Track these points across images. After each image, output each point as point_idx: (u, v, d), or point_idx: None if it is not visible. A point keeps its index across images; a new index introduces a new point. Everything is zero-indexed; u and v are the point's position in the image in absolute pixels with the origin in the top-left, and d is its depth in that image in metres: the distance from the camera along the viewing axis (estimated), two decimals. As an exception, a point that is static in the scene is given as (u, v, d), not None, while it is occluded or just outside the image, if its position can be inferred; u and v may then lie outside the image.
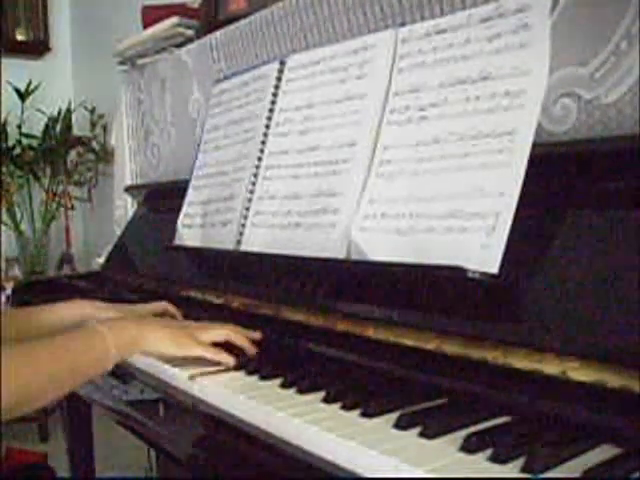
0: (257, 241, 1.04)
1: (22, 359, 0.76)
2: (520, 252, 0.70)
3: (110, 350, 0.83)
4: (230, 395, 0.76)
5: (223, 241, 1.12)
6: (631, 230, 0.64)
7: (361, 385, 0.77)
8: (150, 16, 1.84)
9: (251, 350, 0.92)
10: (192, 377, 0.84)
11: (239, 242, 1.08)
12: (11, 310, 1.18)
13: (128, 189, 1.88)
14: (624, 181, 0.67)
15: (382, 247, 0.82)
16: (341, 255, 0.87)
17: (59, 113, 3.07)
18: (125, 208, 1.96)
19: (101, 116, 3.02)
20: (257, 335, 0.94)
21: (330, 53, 1.00)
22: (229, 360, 0.87)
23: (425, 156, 0.80)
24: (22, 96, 2.99)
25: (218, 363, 0.88)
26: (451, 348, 0.72)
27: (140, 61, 1.91)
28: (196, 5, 1.73)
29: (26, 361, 0.76)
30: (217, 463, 0.75)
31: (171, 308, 1.12)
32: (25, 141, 3.02)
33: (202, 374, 0.85)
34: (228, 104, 1.23)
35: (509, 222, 0.68)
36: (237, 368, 0.86)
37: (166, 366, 0.90)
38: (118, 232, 1.88)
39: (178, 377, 0.86)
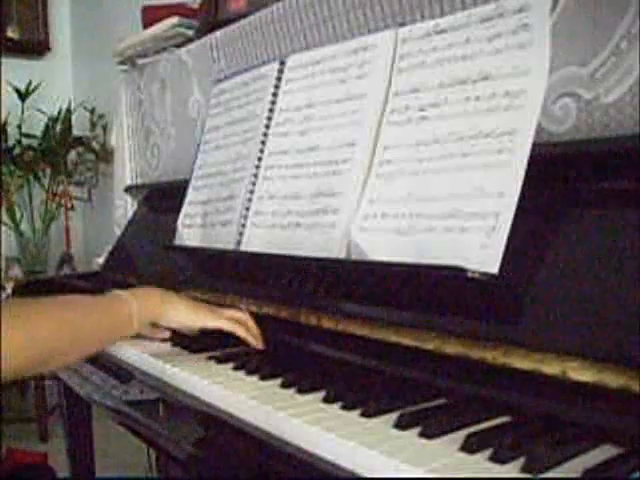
0: (257, 241, 1.04)
1: (39, 314, 0.77)
2: (520, 252, 0.70)
3: (133, 315, 0.86)
4: (231, 395, 0.76)
5: (223, 241, 1.12)
6: (631, 230, 0.64)
7: (361, 385, 0.77)
8: (150, 16, 1.84)
9: (259, 342, 0.93)
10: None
11: (239, 242, 1.08)
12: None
13: (128, 189, 1.88)
14: (624, 181, 0.67)
15: (382, 247, 0.82)
16: (341, 255, 0.87)
17: (59, 113, 3.08)
18: (125, 208, 1.96)
19: (101, 116, 3.02)
20: (259, 346, 0.94)
21: (330, 53, 1.00)
22: (246, 335, 0.91)
23: (425, 156, 0.80)
24: (22, 96, 2.99)
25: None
26: (451, 348, 0.72)
27: (140, 61, 1.91)
28: (196, 5, 1.73)
29: (45, 316, 0.77)
30: (217, 463, 0.75)
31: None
32: (25, 141, 3.02)
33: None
34: (228, 104, 1.23)
35: (509, 222, 0.68)
36: (237, 368, 0.86)
37: (167, 365, 0.90)
38: (118, 232, 1.87)
39: (178, 376, 0.86)
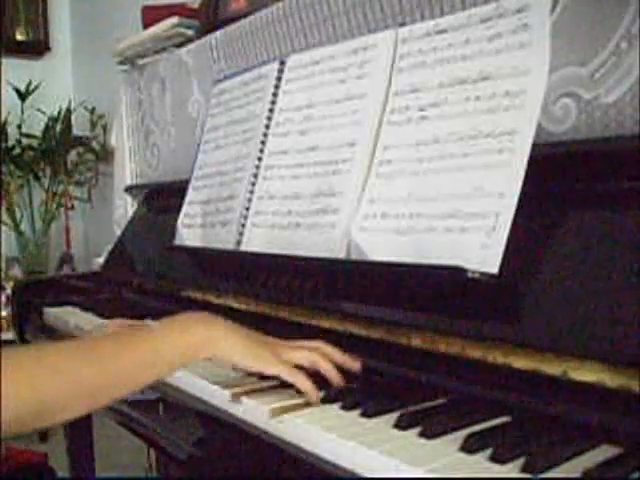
0: (257, 241, 1.04)
1: (38, 361, 0.65)
2: (520, 252, 0.70)
3: (164, 354, 0.70)
4: (230, 395, 0.76)
5: (223, 241, 1.12)
6: (631, 230, 0.64)
7: (361, 385, 0.77)
8: (150, 16, 1.84)
9: (338, 381, 0.74)
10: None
11: (239, 242, 1.08)
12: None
13: (128, 189, 1.88)
14: (624, 181, 0.67)
15: (382, 247, 0.82)
16: (341, 255, 0.87)
17: (59, 113, 3.08)
18: (125, 208, 1.96)
19: (101, 116, 3.02)
20: (356, 365, 0.77)
21: (330, 53, 1.00)
22: (310, 389, 0.71)
23: (425, 156, 0.80)
24: (22, 96, 2.99)
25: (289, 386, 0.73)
26: (451, 348, 0.72)
27: (140, 61, 1.91)
28: (196, 5, 1.73)
29: (45, 363, 0.65)
30: (217, 463, 0.75)
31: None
32: (25, 141, 3.02)
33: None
34: (228, 104, 1.23)
35: (509, 222, 0.68)
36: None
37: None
38: (118, 232, 1.87)
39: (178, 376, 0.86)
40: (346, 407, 0.69)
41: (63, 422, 0.68)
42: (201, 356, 0.73)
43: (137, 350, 0.70)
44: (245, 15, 1.42)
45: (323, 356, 0.76)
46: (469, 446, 0.58)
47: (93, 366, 0.67)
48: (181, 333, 0.73)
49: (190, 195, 1.27)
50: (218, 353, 0.74)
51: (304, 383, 0.72)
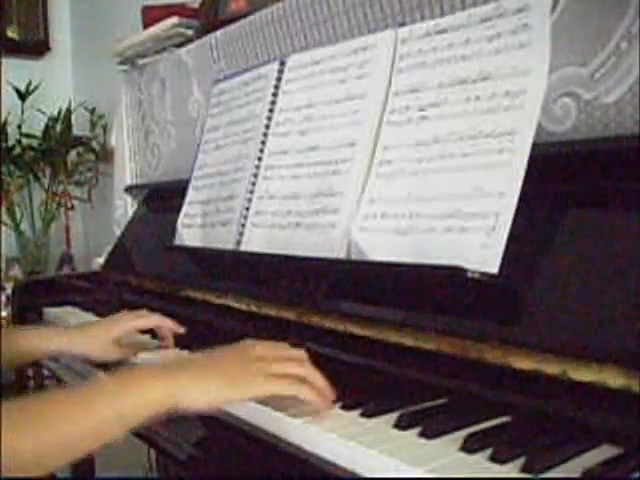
0: (257, 241, 1.04)
1: None
2: (520, 252, 0.70)
3: (120, 413, 0.61)
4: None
5: (223, 241, 1.12)
6: (631, 230, 0.64)
7: (361, 385, 0.77)
8: (150, 16, 1.84)
9: (323, 406, 0.68)
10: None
11: (239, 242, 1.08)
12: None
13: (128, 189, 1.88)
14: (624, 181, 0.67)
15: (382, 247, 0.82)
16: (341, 255, 0.87)
17: (59, 113, 3.07)
18: (125, 208, 1.96)
19: (101, 116, 3.02)
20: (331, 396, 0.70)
21: (330, 53, 1.00)
22: (316, 398, 0.66)
23: (425, 156, 0.80)
24: (22, 96, 2.99)
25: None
26: (451, 348, 0.72)
27: (140, 61, 1.91)
28: (196, 5, 1.73)
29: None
30: (217, 463, 0.75)
31: (163, 322, 1.02)
32: (25, 141, 3.01)
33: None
34: (228, 104, 1.23)
35: (509, 222, 0.68)
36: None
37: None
38: (118, 232, 1.87)
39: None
40: (346, 407, 0.69)
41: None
42: (162, 410, 0.64)
43: (88, 411, 0.61)
44: (245, 15, 1.42)
45: (309, 378, 0.69)
46: (469, 446, 0.58)
47: (35, 432, 0.59)
48: (139, 389, 0.63)
49: (190, 195, 1.27)
50: (190, 405, 0.65)
51: (308, 393, 0.67)
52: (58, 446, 0.60)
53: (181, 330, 1.02)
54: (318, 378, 0.69)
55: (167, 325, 1.02)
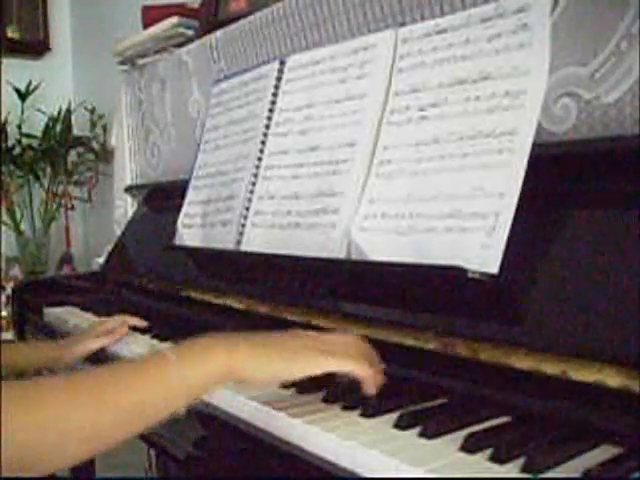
0: (257, 241, 1.04)
1: (26, 406, 0.55)
2: (520, 252, 0.70)
3: (183, 385, 0.62)
4: (230, 395, 0.76)
5: (223, 241, 1.12)
6: (631, 230, 0.64)
7: (361, 385, 0.77)
8: (150, 16, 1.84)
9: (372, 390, 0.68)
10: None
11: (239, 242, 1.08)
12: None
13: (128, 189, 1.88)
14: (624, 181, 0.67)
15: (382, 247, 0.82)
16: (341, 255, 0.87)
17: (59, 113, 3.07)
18: (125, 208, 1.96)
19: (101, 116, 3.02)
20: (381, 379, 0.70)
21: (330, 53, 1.00)
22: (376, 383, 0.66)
23: (425, 156, 0.80)
24: (22, 96, 2.99)
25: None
26: (451, 348, 0.72)
27: (140, 61, 1.91)
28: (196, 5, 1.73)
29: (33, 406, 0.55)
30: (217, 463, 0.75)
31: (132, 320, 1.16)
32: (25, 141, 3.01)
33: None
34: (228, 104, 1.23)
35: (509, 222, 0.68)
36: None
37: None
38: (118, 232, 1.87)
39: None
40: (346, 407, 0.69)
41: (62, 468, 0.59)
42: (224, 381, 0.66)
43: (153, 383, 0.62)
44: (245, 15, 1.42)
45: (365, 359, 0.69)
46: (469, 446, 0.58)
47: (98, 407, 0.58)
48: (202, 362, 0.64)
49: (190, 195, 1.27)
50: (250, 378, 0.66)
51: (361, 371, 0.67)
52: (128, 417, 0.60)
53: (143, 323, 1.15)
54: (375, 357, 0.70)
55: (124, 324, 1.13)
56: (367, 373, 0.67)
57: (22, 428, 0.54)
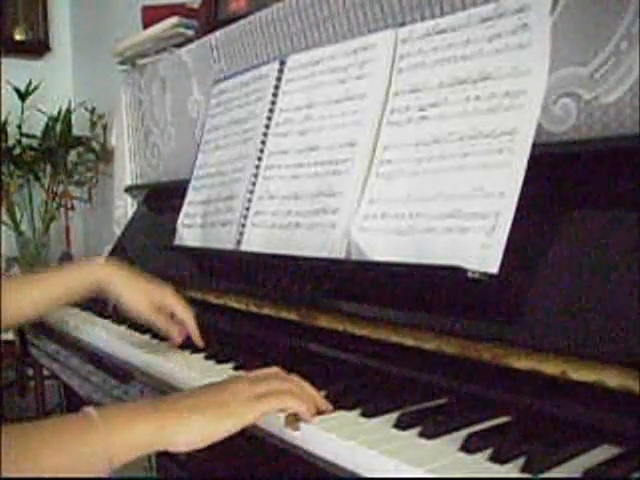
0: (257, 241, 1.04)
1: None
2: (520, 252, 0.70)
3: (107, 453, 0.59)
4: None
5: (223, 241, 1.12)
6: (631, 230, 0.64)
7: (361, 385, 0.77)
8: (150, 16, 1.84)
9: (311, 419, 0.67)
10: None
11: (239, 242, 1.08)
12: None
13: (128, 189, 1.88)
14: (624, 181, 0.67)
15: (382, 247, 0.82)
16: (341, 255, 0.87)
17: (59, 113, 3.07)
18: (125, 208, 1.96)
19: (101, 116, 3.02)
20: (329, 408, 0.70)
21: (330, 53, 1.00)
22: (302, 407, 0.66)
23: (425, 156, 0.80)
24: (22, 96, 2.99)
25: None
26: (451, 348, 0.72)
27: (140, 61, 1.91)
28: (196, 5, 1.73)
29: None
30: (217, 463, 0.75)
31: (190, 324, 0.99)
32: (25, 141, 3.02)
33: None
34: (228, 104, 1.23)
35: (509, 222, 0.68)
36: (238, 368, 0.86)
37: (169, 364, 0.89)
38: (118, 232, 1.88)
39: (177, 375, 0.86)
40: (346, 407, 0.69)
41: None
42: (151, 451, 0.63)
43: (75, 447, 0.58)
44: (245, 15, 1.42)
45: (294, 391, 0.68)
46: (469, 446, 0.58)
47: (18, 466, 0.55)
48: (129, 431, 0.60)
49: (190, 195, 1.27)
50: (182, 446, 0.63)
51: (295, 403, 0.66)
52: (43, 475, 0.57)
53: (200, 344, 0.98)
54: (306, 387, 0.69)
55: (191, 329, 0.98)
56: (295, 406, 0.66)
57: None
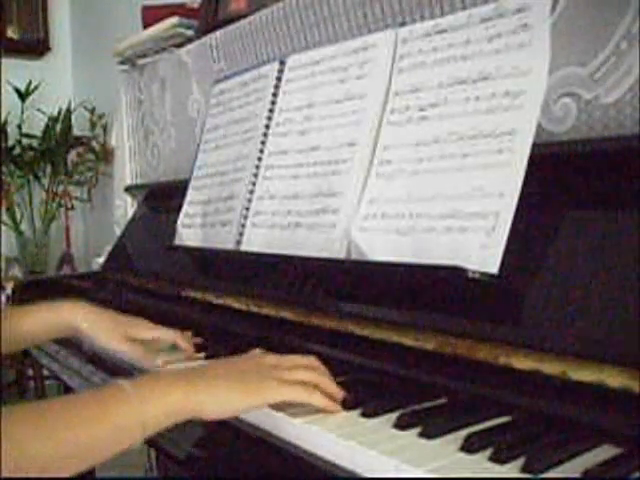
0: (257, 241, 1.04)
1: None
2: (520, 252, 0.70)
3: (140, 419, 0.61)
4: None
5: (223, 241, 1.12)
6: (631, 230, 0.64)
7: (361, 385, 0.77)
8: (150, 16, 1.84)
9: (338, 395, 0.71)
10: None
11: (239, 242, 1.08)
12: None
13: (128, 189, 1.88)
14: (624, 181, 0.67)
15: (382, 247, 0.82)
16: (341, 255, 0.87)
17: (59, 113, 3.08)
18: (125, 208, 1.96)
19: (101, 116, 3.02)
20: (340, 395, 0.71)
21: (330, 53, 1.00)
22: (329, 404, 0.68)
23: (425, 156, 0.80)
24: (22, 96, 2.99)
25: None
26: (451, 348, 0.72)
27: (140, 61, 1.91)
28: (196, 5, 1.73)
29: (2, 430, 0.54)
30: (217, 463, 0.75)
31: (182, 341, 0.96)
32: (25, 141, 3.02)
33: None
34: (228, 104, 1.23)
35: (509, 222, 0.68)
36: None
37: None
38: (118, 232, 1.88)
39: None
40: (346, 407, 0.69)
41: None
42: (181, 419, 0.65)
43: (109, 417, 0.61)
44: (245, 15, 1.42)
45: (317, 374, 0.71)
46: (469, 446, 0.58)
47: (54, 437, 0.57)
48: (160, 398, 0.63)
49: (190, 195, 1.27)
50: (207, 415, 0.65)
51: (319, 400, 0.68)
52: (79, 450, 0.59)
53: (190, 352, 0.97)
54: (329, 384, 0.71)
55: (184, 345, 0.97)
56: (320, 403, 0.68)
57: None
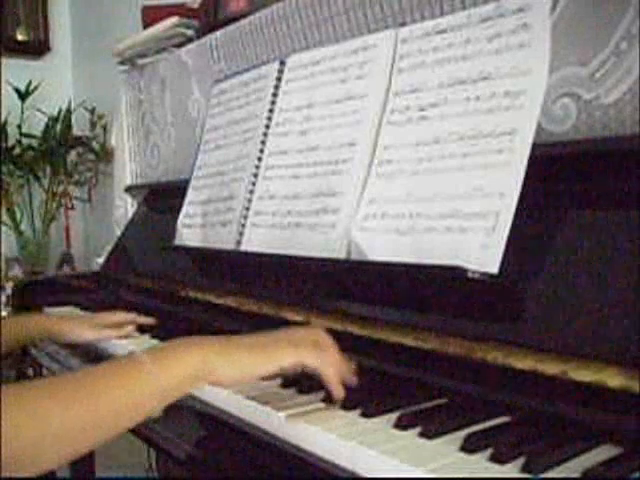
0: (257, 241, 1.04)
1: (18, 404, 0.55)
2: (520, 252, 0.70)
3: (159, 387, 0.63)
4: (229, 394, 0.76)
5: (223, 241, 1.12)
6: (631, 230, 0.64)
7: (361, 385, 0.77)
8: (150, 16, 1.84)
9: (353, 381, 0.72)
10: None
11: (239, 242, 1.08)
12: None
13: (128, 189, 1.88)
14: (624, 181, 0.67)
15: (382, 247, 0.82)
16: (341, 255, 0.87)
17: (59, 113, 3.07)
18: (125, 208, 1.96)
19: (101, 116, 3.02)
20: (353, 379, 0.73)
21: (330, 53, 1.00)
22: (341, 393, 0.69)
23: (425, 156, 0.80)
24: (22, 96, 2.99)
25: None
26: (451, 348, 0.72)
27: (140, 61, 1.91)
28: (196, 5, 1.73)
29: (24, 406, 0.56)
30: (217, 463, 0.75)
31: (136, 319, 1.16)
32: (25, 141, 3.01)
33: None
34: (228, 104, 1.23)
35: (509, 222, 0.68)
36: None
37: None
38: (118, 232, 1.87)
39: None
40: (346, 407, 0.69)
41: (48, 469, 0.57)
42: (199, 385, 0.67)
43: (127, 385, 0.62)
44: (245, 15, 1.42)
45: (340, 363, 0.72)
46: (469, 446, 0.58)
47: (74, 408, 0.58)
48: (176, 363, 0.65)
49: (190, 195, 1.27)
50: (222, 377, 0.67)
51: (331, 372, 0.69)
52: (100, 420, 0.60)
53: (151, 321, 1.16)
54: (347, 372, 0.72)
55: (139, 320, 1.15)
56: (330, 373, 0.69)
57: (17, 430, 0.54)
